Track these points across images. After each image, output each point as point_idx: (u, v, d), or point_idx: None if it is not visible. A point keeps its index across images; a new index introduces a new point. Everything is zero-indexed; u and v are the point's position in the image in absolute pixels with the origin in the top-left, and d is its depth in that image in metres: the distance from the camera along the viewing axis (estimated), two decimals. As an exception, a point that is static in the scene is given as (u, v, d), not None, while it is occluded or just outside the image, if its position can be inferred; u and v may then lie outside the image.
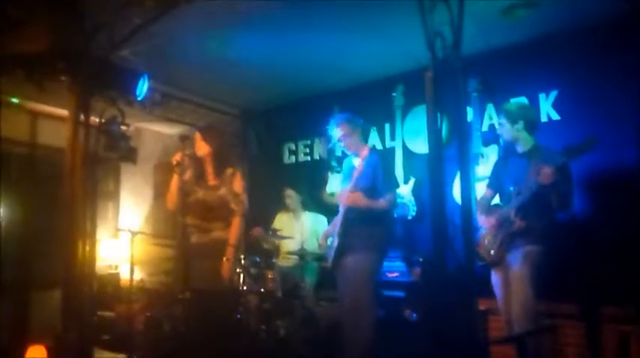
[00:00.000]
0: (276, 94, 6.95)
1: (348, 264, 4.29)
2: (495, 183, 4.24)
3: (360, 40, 5.17)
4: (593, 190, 4.54)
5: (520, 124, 3.99)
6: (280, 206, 6.39)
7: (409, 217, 5.68)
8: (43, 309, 6.05)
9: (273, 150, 7.44)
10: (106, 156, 3.96)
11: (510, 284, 3.84)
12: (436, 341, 4.03)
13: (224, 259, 4.15)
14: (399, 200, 5.54)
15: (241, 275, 4.86)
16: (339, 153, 6.34)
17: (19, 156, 6.48)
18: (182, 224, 4.39)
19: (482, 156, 5.10)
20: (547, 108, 5.09)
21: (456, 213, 2.74)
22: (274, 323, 5.02)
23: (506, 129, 4.06)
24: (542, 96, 5.14)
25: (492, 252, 3.93)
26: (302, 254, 5.69)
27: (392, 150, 6.00)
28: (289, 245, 5.96)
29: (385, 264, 4.77)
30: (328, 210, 5.53)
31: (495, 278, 4.02)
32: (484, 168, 4.92)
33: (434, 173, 2.70)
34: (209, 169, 4.43)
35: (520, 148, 4.05)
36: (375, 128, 6.26)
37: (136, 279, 5.98)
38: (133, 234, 5.72)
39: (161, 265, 6.18)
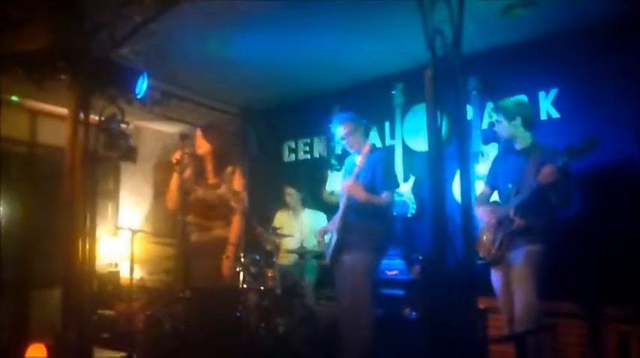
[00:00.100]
0: (276, 93, 6.94)
1: (346, 262, 4.30)
2: (493, 179, 4.23)
3: (360, 38, 5.17)
4: (593, 189, 4.54)
5: (517, 121, 3.97)
6: (280, 204, 6.40)
7: (409, 215, 5.68)
8: (43, 308, 6.05)
9: (273, 148, 7.44)
10: (106, 154, 3.97)
11: (511, 284, 3.83)
12: (435, 339, 4.04)
13: (224, 257, 4.16)
14: (398, 198, 5.55)
15: (241, 274, 4.86)
16: (339, 152, 6.35)
17: (18, 154, 6.48)
18: (182, 222, 4.39)
19: (482, 154, 5.10)
20: (547, 106, 5.09)
21: (456, 211, 2.74)
22: (274, 321, 5.03)
23: (503, 127, 4.03)
24: (542, 95, 5.13)
25: (492, 250, 3.93)
26: (302, 252, 5.70)
27: (392, 148, 5.99)
28: (289, 243, 5.97)
29: (384, 262, 4.77)
30: (328, 209, 5.54)
31: (495, 277, 4.00)
32: (484, 166, 4.91)
33: (434, 171, 2.70)
34: (209, 168, 4.43)
35: (518, 145, 4.03)
36: (374, 126, 6.25)
37: (136, 278, 5.99)
38: (133, 232, 5.75)
39: (161, 263, 6.20)
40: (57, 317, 3.69)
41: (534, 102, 5.03)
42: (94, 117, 3.68)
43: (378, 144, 6.24)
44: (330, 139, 6.61)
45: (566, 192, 3.75)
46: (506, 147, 4.18)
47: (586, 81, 4.81)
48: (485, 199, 4.24)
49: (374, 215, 4.28)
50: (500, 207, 4.00)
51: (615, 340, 3.99)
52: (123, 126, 3.91)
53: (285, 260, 5.94)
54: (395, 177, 4.55)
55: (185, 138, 4.38)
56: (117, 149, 3.98)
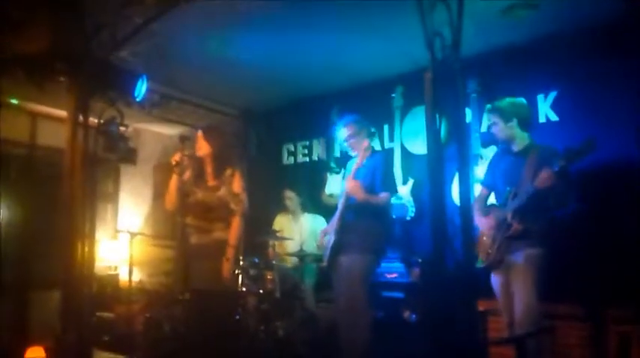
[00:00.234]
0: (275, 95, 6.94)
1: (343, 264, 4.29)
2: (490, 181, 4.19)
3: (360, 40, 5.17)
4: (594, 190, 4.53)
5: (514, 122, 3.93)
6: (280, 207, 6.40)
7: (408, 218, 5.68)
8: (42, 310, 6.04)
9: (272, 151, 7.44)
10: (106, 157, 3.98)
11: (511, 287, 3.81)
12: (435, 342, 4.03)
13: (224, 259, 4.15)
14: (397, 201, 5.55)
15: (240, 276, 4.86)
16: (337, 154, 6.35)
17: (18, 156, 6.49)
18: (181, 224, 4.38)
19: (482, 157, 5.09)
20: (546, 109, 5.09)
21: (455, 213, 2.74)
22: (273, 323, 5.02)
23: (499, 128, 4.00)
24: (540, 97, 5.13)
25: (491, 254, 3.90)
26: (301, 255, 5.70)
27: (391, 151, 6.00)
28: (288, 246, 5.96)
29: (384, 265, 4.78)
30: (327, 211, 5.54)
31: (495, 280, 3.98)
32: (483, 169, 4.91)
33: (433, 174, 2.70)
34: (209, 170, 4.43)
35: (515, 147, 3.99)
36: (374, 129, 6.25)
37: (136, 280, 5.99)
38: (133, 235, 5.74)
39: (160, 266, 6.20)
40: (56, 320, 3.69)
41: (533, 105, 5.03)
42: (94, 120, 3.68)
43: (377, 147, 6.24)
44: (329, 141, 6.63)
45: (564, 194, 3.73)
46: (504, 149, 4.14)
47: (585, 83, 4.80)
48: (482, 201, 4.21)
49: (372, 216, 4.28)
50: (497, 210, 3.97)
51: (616, 341, 3.98)
52: (122, 128, 3.92)
53: (285, 262, 5.94)
54: (394, 180, 4.55)
55: (185, 141, 4.37)
56: (116, 151, 3.98)
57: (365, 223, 4.29)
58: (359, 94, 6.27)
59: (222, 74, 6.10)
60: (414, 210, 5.67)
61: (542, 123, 5.06)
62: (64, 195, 3.56)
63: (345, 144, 4.59)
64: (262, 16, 4.67)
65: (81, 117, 3.55)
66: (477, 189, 4.34)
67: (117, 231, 7.35)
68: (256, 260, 5.23)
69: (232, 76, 6.13)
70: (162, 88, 6.38)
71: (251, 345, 4.80)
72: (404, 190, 5.71)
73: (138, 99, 3.99)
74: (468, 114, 5.16)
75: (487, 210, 4.09)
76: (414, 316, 4.92)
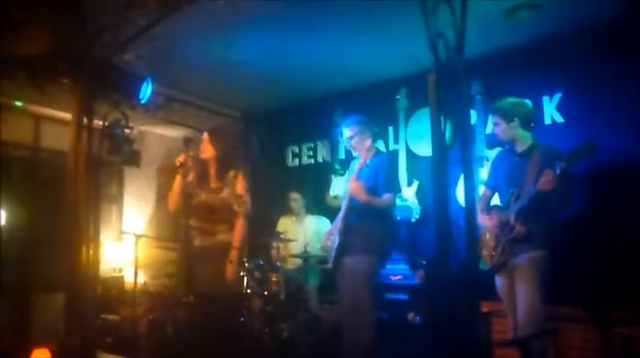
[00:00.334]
0: (278, 97, 6.95)
1: (347, 265, 4.28)
2: (494, 181, 4.17)
3: (363, 42, 5.17)
4: (598, 192, 4.52)
5: (516, 122, 3.88)
6: (284, 209, 6.40)
7: (413, 220, 5.67)
8: (45, 312, 6.05)
9: (276, 152, 7.44)
10: (110, 159, 3.96)
11: (515, 289, 3.79)
12: (439, 343, 4.02)
13: (228, 261, 4.15)
14: (402, 202, 5.54)
15: (245, 278, 4.86)
16: (342, 156, 6.35)
17: (21, 159, 6.50)
18: (185, 227, 4.38)
19: (487, 159, 5.08)
20: (551, 111, 5.08)
21: (460, 215, 2.73)
22: (277, 325, 5.02)
23: (502, 129, 3.94)
24: (545, 99, 5.12)
25: (495, 257, 3.88)
26: (305, 257, 5.70)
27: (395, 153, 6.00)
28: (292, 248, 5.96)
29: (388, 266, 4.77)
30: (331, 213, 5.53)
31: (499, 282, 3.97)
32: (487, 171, 4.90)
33: (437, 176, 2.69)
34: (212, 172, 4.43)
35: (518, 148, 3.94)
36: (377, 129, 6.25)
37: (140, 282, 5.99)
38: (137, 237, 5.74)
39: (164, 268, 6.20)
40: (60, 322, 3.68)
41: (539, 106, 5.01)
42: (98, 122, 3.68)
43: (382, 149, 6.23)
44: (334, 143, 6.63)
45: (566, 196, 3.70)
46: (507, 150, 4.09)
47: (590, 84, 4.78)
48: (485, 202, 4.18)
49: (376, 217, 4.26)
50: (501, 211, 3.94)
51: (619, 343, 3.97)
52: (126, 130, 3.91)
53: (289, 264, 5.94)
54: (397, 181, 4.53)
55: (189, 143, 4.38)
56: (120, 153, 3.97)
57: (368, 224, 4.27)
58: (363, 96, 6.27)
59: (225, 76, 6.10)
60: (418, 211, 5.66)
61: (548, 125, 5.04)
62: (67, 197, 3.55)
63: (348, 144, 4.59)
64: (265, 18, 4.67)
65: (85, 120, 3.55)
66: (481, 190, 4.32)
67: (121, 233, 7.36)
68: (261, 262, 5.23)
69: (235, 78, 6.14)
70: (166, 90, 6.38)
71: (255, 347, 4.80)
72: (409, 192, 5.71)
73: (142, 102, 3.98)
74: (473, 116, 5.14)
75: (489, 210, 4.07)
76: (418, 318, 4.91)
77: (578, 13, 4.54)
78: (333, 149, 6.71)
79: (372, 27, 4.85)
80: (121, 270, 7.00)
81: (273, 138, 7.44)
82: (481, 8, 4.17)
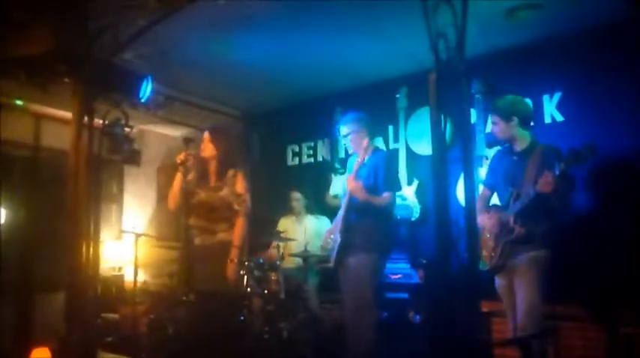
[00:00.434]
0: (278, 96, 6.95)
1: (350, 264, 4.27)
2: (492, 180, 4.14)
3: (363, 41, 5.18)
4: (599, 192, 4.52)
5: (514, 121, 3.84)
6: (285, 209, 6.40)
7: (413, 219, 5.67)
8: (46, 311, 6.05)
9: (276, 152, 7.44)
10: (110, 158, 3.97)
11: (515, 289, 3.77)
12: (439, 342, 4.02)
13: (228, 260, 4.15)
14: (402, 202, 5.54)
15: (245, 277, 4.85)
16: (342, 155, 6.34)
17: (22, 158, 6.49)
18: (185, 226, 4.39)
19: (487, 158, 5.07)
20: (551, 110, 5.08)
21: (460, 215, 2.74)
22: (277, 325, 5.02)
23: (500, 128, 3.91)
24: (546, 98, 5.12)
25: (494, 258, 3.87)
26: (305, 256, 5.69)
27: (395, 152, 5.99)
28: (293, 247, 5.96)
29: (389, 265, 4.76)
30: (332, 212, 5.53)
31: (499, 283, 3.95)
32: (485, 169, 4.90)
33: (437, 175, 2.69)
34: (212, 170, 4.43)
35: (517, 146, 3.91)
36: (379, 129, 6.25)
37: (140, 281, 5.99)
38: (137, 236, 5.74)
39: (165, 267, 6.19)
40: (60, 321, 3.69)
41: (539, 105, 5.02)
42: (98, 121, 3.68)
43: (382, 147, 6.24)
44: (334, 142, 6.63)
45: (566, 196, 3.69)
46: (506, 148, 4.06)
47: (591, 82, 4.79)
48: (484, 201, 4.15)
49: (375, 215, 4.25)
50: (500, 211, 3.92)
51: (621, 343, 3.97)
52: (127, 129, 3.91)
53: (289, 263, 5.94)
54: (397, 178, 4.51)
55: (188, 143, 4.38)
56: (121, 152, 3.97)
57: (369, 222, 4.26)
58: (363, 95, 6.27)
59: (225, 75, 6.11)
60: (418, 211, 5.66)
61: (548, 124, 5.05)
62: (68, 196, 3.55)
63: (345, 141, 4.58)
64: (265, 17, 4.67)
65: (85, 119, 3.55)
66: (480, 189, 4.30)
67: (121, 232, 7.36)
68: (261, 261, 5.23)
69: (235, 77, 6.14)
70: (166, 89, 6.38)
71: (255, 346, 4.80)
72: (409, 191, 5.71)
73: (143, 101, 3.98)
74: (473, 115, 5.15)
75: (489, 209, 4.06)
76: (418, 317, 4.91)
77: (578, 13, 4.54)
78: (333, 148, 6.71)
79: (372, 26, 4.85)
80: (121, 269, 7.00)
81: (273, 138, 7.44)
82: (482, 8, 4.17)
